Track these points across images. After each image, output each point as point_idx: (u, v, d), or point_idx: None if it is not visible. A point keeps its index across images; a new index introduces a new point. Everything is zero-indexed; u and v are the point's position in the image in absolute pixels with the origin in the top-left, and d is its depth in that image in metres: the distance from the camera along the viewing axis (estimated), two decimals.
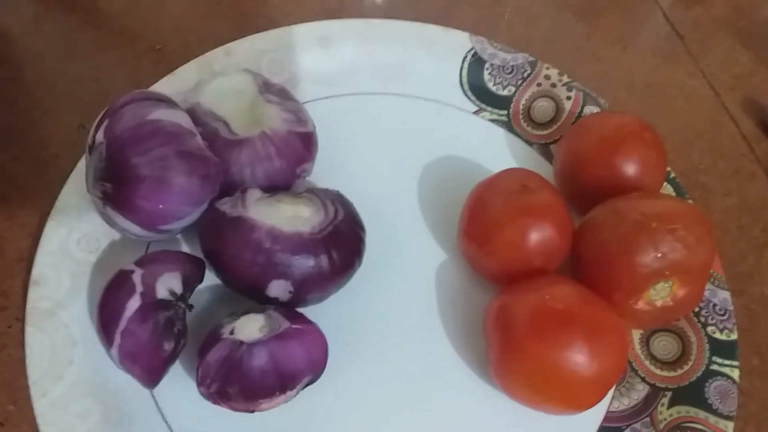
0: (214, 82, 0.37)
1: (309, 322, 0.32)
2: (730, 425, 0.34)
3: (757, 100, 0.50)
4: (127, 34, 0.48)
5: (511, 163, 0.43)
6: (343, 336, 0.35)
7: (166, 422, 0.32)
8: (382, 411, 0.34)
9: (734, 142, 0.48)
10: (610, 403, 0.35)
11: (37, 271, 0.34)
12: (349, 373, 0.35)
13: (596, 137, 0.38)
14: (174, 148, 0.32)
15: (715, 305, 0.37)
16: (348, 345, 0.35)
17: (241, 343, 0.30)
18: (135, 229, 0.33)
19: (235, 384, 0.30)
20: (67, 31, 0.47)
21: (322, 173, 0.41)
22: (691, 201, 0.42)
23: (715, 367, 0.36)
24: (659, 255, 0.32)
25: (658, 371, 0.36)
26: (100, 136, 0.32)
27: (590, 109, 0.44)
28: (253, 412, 0.31)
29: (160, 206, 0.32)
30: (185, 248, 0.37)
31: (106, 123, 0.33)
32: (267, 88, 0.38)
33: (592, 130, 0.39)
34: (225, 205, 0.33)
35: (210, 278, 0.35)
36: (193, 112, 0.36)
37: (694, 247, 0.33)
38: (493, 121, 0.45)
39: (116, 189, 0.32)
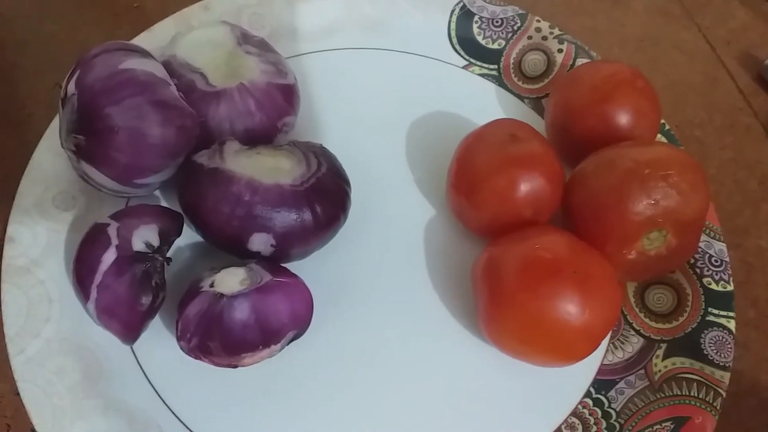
0: (191, 34, 0.36)
1: (292, 275, 0.32)
2: (726, 375, 0.33)
3: (754, 54, 0.49)
4: None
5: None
6: (330, 292, 0.35)
7: (147, 378, 0.31)
8: (370, 367, 0.33)
9: (730, 96, 0.47)
10: (604, 356, 0.35)
11: (12, 228, 0.33)
12: (337, 328, 0.34)
13: (587, 86, 0.37)
14: (148, 97, 0.31)
15: (710, 256, 0.37)
16: (335, 301, 0.35)
17: (222, 295, 0.29)
18: (110, 183, 0.32)
19: (216, 338, 0.29)
20: None
21: (307, 129, 0.40)
22: None
23: (711, 318, 0.35)
24: (652, 202, 0.31)
25: (653, 323, 0.35)
26: (71, 87, 0.31)
27: (582, 62, 0.43)
28: (236, 367, 0.30)
29: (135, 158, 0.31)
30: (165, 205, 0.36)
31: (77, 74, 0.31)
32: (245, 39, 0.36)
33: (584, 79, 0.38)
34: (202, 158, 0.32)
35: (191, 235, 0.34)
36: (168, 65, 0.34)
37: (688, 194, 0.32)
38: (483, 75, 0.44)
39: (89, 141, 0.31)
